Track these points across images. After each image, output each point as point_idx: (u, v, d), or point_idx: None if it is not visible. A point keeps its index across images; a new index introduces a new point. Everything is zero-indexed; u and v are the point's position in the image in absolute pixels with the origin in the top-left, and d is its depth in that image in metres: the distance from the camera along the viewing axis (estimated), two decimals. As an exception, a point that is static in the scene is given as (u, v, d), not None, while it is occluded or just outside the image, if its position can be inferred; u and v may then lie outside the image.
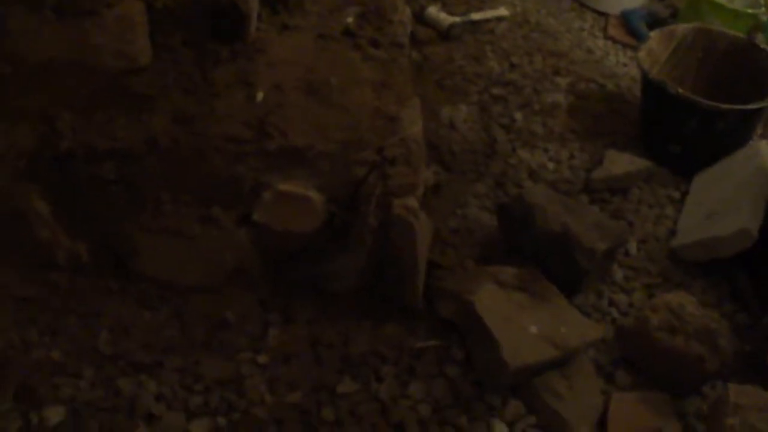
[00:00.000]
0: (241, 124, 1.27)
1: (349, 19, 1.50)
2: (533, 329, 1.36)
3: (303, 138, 1.26)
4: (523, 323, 1.37)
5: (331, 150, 1.27)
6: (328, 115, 1.30)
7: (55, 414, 1.22)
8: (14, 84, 1.33)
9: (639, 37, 2.68)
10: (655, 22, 2.84)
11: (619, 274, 1.69)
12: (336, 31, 1.46)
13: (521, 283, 1.49)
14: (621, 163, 1.97)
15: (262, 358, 1.36)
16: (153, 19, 1.28)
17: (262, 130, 1.26)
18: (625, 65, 2.52)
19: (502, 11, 2.65)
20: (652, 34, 2.18)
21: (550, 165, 1.95)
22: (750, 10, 2.45)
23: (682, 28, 2.22)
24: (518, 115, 2.08)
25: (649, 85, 2.01)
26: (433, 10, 2.45)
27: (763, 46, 2.10)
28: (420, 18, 2.43)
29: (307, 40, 1.41)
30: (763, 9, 2.48)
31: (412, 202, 1.29)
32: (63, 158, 1.33)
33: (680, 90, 1.88)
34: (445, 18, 2.42)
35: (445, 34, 2.40)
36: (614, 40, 2.72)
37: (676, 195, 1.95)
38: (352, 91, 1.34)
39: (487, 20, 2.57)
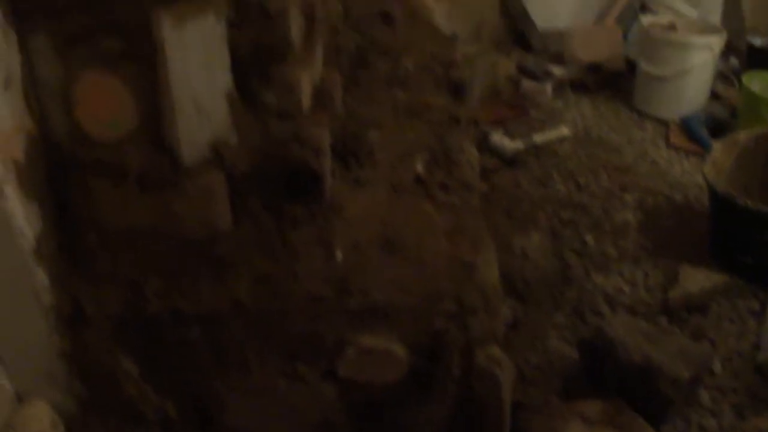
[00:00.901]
0: (322, 283, 1.29)
1: (419, 166, 1.54)
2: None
3: (383, 294, 1.28)
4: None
5: (411, 304, 1.28)
6: (406, 268, 1.31)
7: None
8: (101, 251, 1.38)
9: (701, 143, 2.68)
10: (715, 124, 2.84)
11: (705, 396, 1.65)
12: (407, 180, 1.50)
13: (607, 417, 1.47)
14: (697, 279, 1.95)
15: None
16: (232, 185, 1.33)
17: (343, 288, 1.28)
18: (690, 173, 2.51)
19: (564, 130, 2.68)
20: (715, 145, 2.18)
21: (626, 288, 1.93)
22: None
23: (744, 135, 2.23)
24: (589, 238, 2.08)
25: (716, 198, 2.00)
26: (496, 137, 2.50)
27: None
28: (484, 146, 2.48)
29: (380, 193, 1.45)
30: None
31: (495, 350, 1.29)
32: (150, 321, 1.37)
33: (748, 202, 1.86)
34: (508, 144, 2.47)
35: (510, 161, 2.43)
36: (677, 148, 2.72)
37: (756, 306, 1.90)
38: (428, 242, 1.36)
39: (550, 141, 2.61)
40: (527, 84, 3.07)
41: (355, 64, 2.29)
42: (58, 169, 1.27)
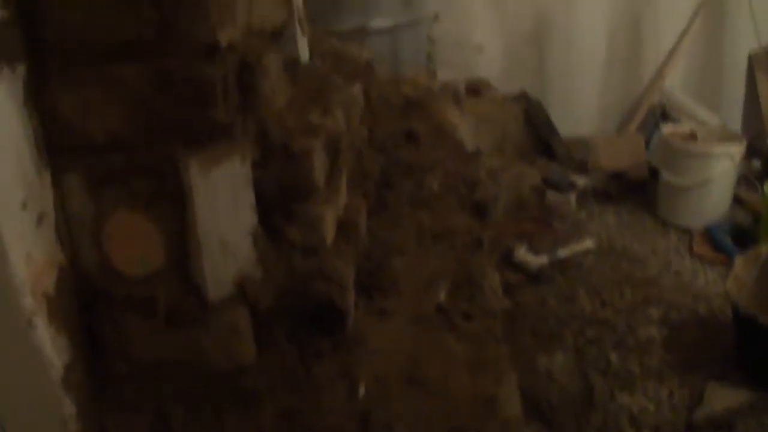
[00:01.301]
0: (345, 418, 1.30)
1: (442, 295, 1.56)
2: None
3: (405, 429, 1.28)
4: None
5: (433, 439, 1.28)
6: (428, 403, 1.32)
7: None
8: (129, 381, 1.41)
9: (725, 252, 2.68)
10: (739, 232, 2.85)
11: None
12: (430, 310, 1.52)
13: None
14: (722, 396, 1.93)
15: None
16: (257, 319, 1.36)
17: (366, 423, 1.29)
18: (714, 284, 2.51)
19: (588, 243, 2.70)
20: (737, 260, 2.19)
21: (651, 407, 1.91)
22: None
23: (766, 248, 2.23)
24: (614, 356, 2.07)
25: (739, 316, 1.99)
26: (521, 252, 2.52)
27: None
28: (509, 261, 2.51)
29: (403, 323, 1.47)
30: None
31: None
32: (174, 451, 1.38)
33: (770, 320, 1.86)
34: (533, 260, 2.49)
35: (535, 277, 2.45)
36: (701, 258, 2.72)
37: (784, 424, 1.86)
38: (450, 375, 1.37)
39: (575, 254, 2.63)
40: (551, 195, 3.12)
41: (380, 186, 2.35)
42: (88, 302, 1.31)
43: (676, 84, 3.73)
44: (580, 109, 3.88)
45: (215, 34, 1.16)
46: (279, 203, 1.43)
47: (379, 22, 3.07)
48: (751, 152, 3.45)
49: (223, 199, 1.26)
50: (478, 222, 2.26)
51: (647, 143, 3.52)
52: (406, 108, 3.01)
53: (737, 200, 3.17)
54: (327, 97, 2.06)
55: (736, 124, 3.92)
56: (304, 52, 2.32)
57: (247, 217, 1.33)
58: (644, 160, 3.40)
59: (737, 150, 2.92)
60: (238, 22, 1.30)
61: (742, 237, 2.85)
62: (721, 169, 2.88)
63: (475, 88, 3.56)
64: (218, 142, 1.25)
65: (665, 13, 3.69)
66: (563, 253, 2.61)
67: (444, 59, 3.78)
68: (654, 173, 3.23)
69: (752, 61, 3.82)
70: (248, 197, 1.33)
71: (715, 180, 2.89)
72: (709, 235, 2.87)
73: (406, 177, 2.52)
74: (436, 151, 2.76)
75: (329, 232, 1.54)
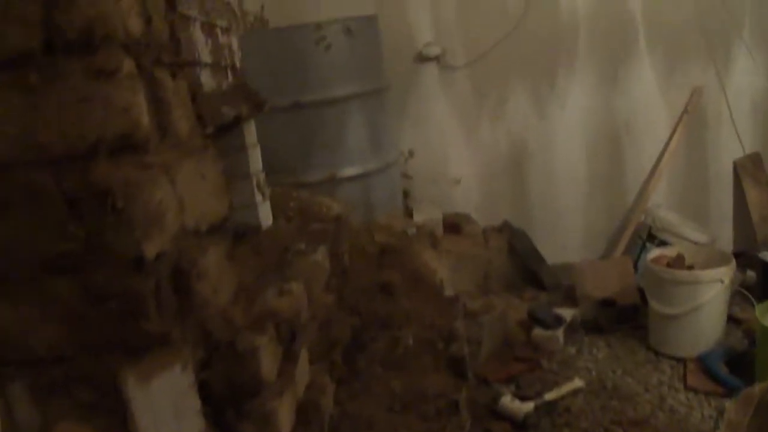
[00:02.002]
0: None
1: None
2: None
3: None
4: None
5: None
6: None
7: None
8: None
9: (721, 382, 2.61)
10: (734, 357, 2.78)
11: None
12: None
13: None
14: None
15: None
16: None
17: None
18: (710, 419, 2.42)
19: (577, 383, 2.63)
20: (728, 405, 2.12)
21: None
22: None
23: (759, 388, 2.15)
24: None
25: (735, 471, 1.90)
26: (506, 400, 2.45)
27: None
28: (494, 410, 2.44)
29: None
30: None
31: None
32: None
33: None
34: (519, 407, 2.41)
35: (522, 425, 2.38)
36: (695, 390, 2.64)
37: None
38: None
39: (564, 396, 2.56)
40: (538, 333, 3.06)
41: (352, 349, 2.31)
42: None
43: (661, 201, 3.72)
44: (565, 235, 3.86)
45: (141, 247, 1.16)
46: (230, 401, 1.41)
47: (348, 171, 3.11)
48: (744, 263, 3.42)
49: (165, 409, 1.24)
50: (455, 380, 2.21)
51: (635, 265, 3.48)
52: (381, 257, 3.01)
53: (732, 319, 3.10)
54: (287, 270, 2.06)
55: (726, 236, 3.90)
56: (266, 217, 2.34)
57: (193, 424, 1.30)
58: (634, 283, 3.36)
59: (727, 271, 2.86)
60: (168, 230, 1.30)
61: (738, 362, 2.76)
62: (711, 295, 2.82)
63: (455, 224, 3.56)
64: (156, 352, 1.23)
65: (643, 131, 3.71)
66: (551, 396, 2.53)
67: (421, 195, 3.81)
68: (644, 297, 3.18)
69: (737, 169, 3.82)
70: (193, 403, 1.31)
71: (705, 306, 2.82)
72: (703, 364, 2.79)
73: (381, 333, 2.49)
74: (412, 301, 2.74)
75: (285, 423, 1.50)
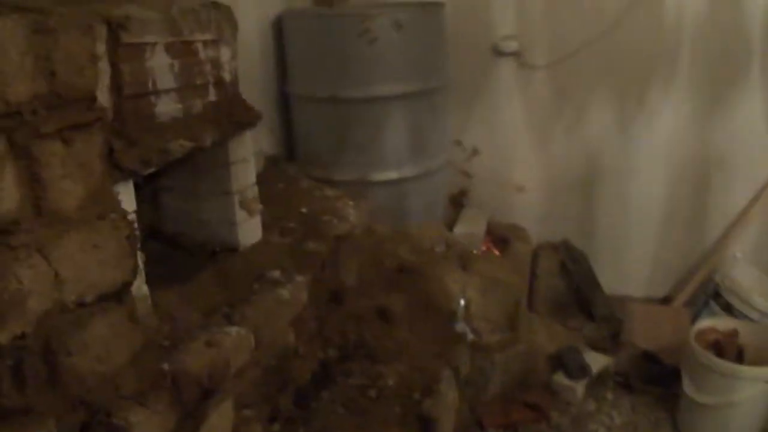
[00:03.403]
0: None
1: None
2: None
3: None
4: None
5: None
6: None
7: None
8: None
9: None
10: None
11: None
12: None
13: None
14: None
15: None
16: None
17: None
18: None
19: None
20: None
21: None
22: None
23: None
24: None
25: None
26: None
27: None
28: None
29: None
30: None
31: None
32: None
33: None
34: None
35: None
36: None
37: None
38: None
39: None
40: (558, 379, 2.80)
41: (311, 387, 2.17)
42: None
43: (743, 253, 3.26)
44: (629, 266, 3.49)
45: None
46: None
47: (381, 175, 2.90)
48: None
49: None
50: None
51: (694, 321, 3.10)
52: (396, 274, 2.81)
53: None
54: (239, 310, 1.93)
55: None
56: (250, 235, 2.21)
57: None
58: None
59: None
60: (31, 312, 1.30)
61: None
62: (751, 393, 2.44)
63: (504, 238, 3.29)
64: (17, 422, 1.26)
65: (739, 170, 3.21)
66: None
67: (479, 197, 3.55)
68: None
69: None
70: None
71: (742, 405, 2.46)
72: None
73: (360, 366, 2.33)
74: (412, 332, 2.55)
75: None
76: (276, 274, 2.18)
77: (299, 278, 2.19)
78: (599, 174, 3.41)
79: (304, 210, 2.63)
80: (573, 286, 3.43)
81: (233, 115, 2.11)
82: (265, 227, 2.39)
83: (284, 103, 3.15)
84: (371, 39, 2.68)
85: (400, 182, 2.92)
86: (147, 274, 1.68)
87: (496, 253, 3.21)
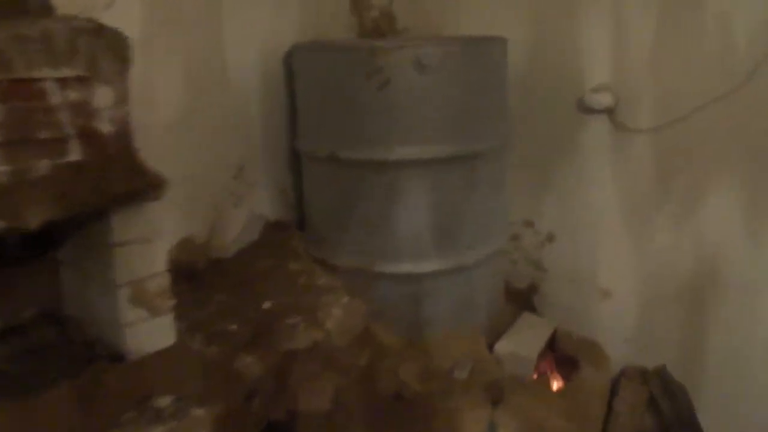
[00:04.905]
0: None
1: None
2: None
3: None
4: None
5: None
6: None
7: None
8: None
9: None
10: None
11: None
12: None
13: None
14: None
15: None
16: None
17: None
18: None
19: None
20: None
21: None
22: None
23: None
24: None
25: None
26: None
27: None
28: None
29: None
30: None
31: None
32: None
33: None
34: None
35: None
36: None
37: None
38: None
39: None
40: None
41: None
42: None
43: None
44: (748, 413, 2.52)
45: None
46: None
47: (391, 267, 2.15)
48: None
49: None
50: None
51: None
52: (394, 403, 2.05)
53: None
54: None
55: None
56: (144, 343, 1.64)
57: None
58: None
59: None
60: None
61: None
62: None
63: (571, 359, 2.44)
64: None
65: None
66: None
67: (552, 296, 2.71)
68: None
69: None
70: None
71: None
72: None
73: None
74: None
75: None
76: (165, 401, 1.53)
77: (197, 411, 1.52)
78: (717, 284, 2.48)
79: (267, 305, 1.94)
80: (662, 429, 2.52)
81: (114, 181, 1.49)
82: (192, 328, 1.73)
83: (297, 159, 2.50)
84: (382, 82, 1.96)
85: (418, 278, 2.16)
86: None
87: (555, 382, 2.36)
